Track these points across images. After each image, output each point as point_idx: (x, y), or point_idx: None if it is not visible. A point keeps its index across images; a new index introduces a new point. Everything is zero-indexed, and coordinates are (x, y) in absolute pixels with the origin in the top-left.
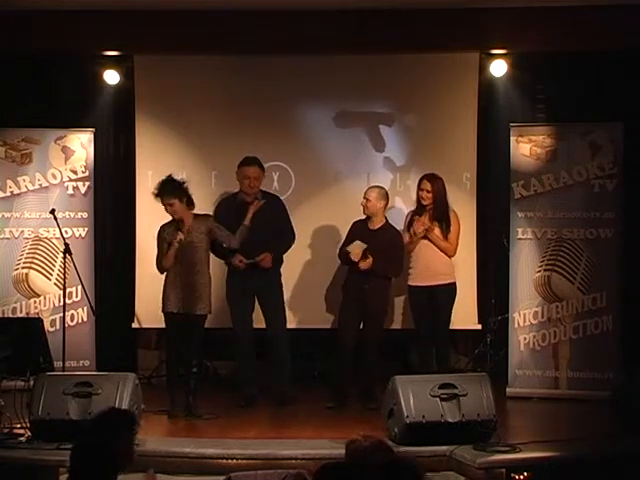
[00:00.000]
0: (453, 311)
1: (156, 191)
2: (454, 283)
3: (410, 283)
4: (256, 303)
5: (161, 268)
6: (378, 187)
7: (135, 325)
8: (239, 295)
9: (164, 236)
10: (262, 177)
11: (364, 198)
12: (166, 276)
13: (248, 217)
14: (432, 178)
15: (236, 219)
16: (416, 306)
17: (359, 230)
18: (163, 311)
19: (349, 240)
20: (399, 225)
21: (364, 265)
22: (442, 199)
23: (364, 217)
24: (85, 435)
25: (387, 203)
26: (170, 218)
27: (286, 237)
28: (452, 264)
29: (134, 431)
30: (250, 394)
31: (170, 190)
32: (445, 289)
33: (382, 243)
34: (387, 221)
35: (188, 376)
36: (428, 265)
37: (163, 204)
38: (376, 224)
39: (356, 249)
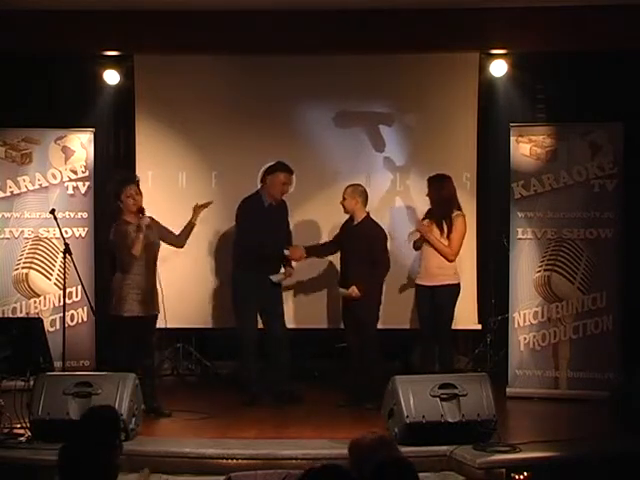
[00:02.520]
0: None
1: (127, 176)
2: (457, 284)
3: (417, 282)
4: None
5: (129, 262)
6: (353, 185)
7: None
8: (247, 295)
9: (125, 231)
10: None
11: (342, 197)
12: (124, 277)
13: (195, 217)
14: (431, 179)
15: (263, 221)
16: (419, 305)
17: (344, 229)
18: (120, 314)
19: (335, 238)
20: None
21: (353, 294)
22: (440, 200)
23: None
24: (70, 439)
25: (366, 199)
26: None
27: (290, 240)
28: (454, 265)
29: (117, 428)
30: (256, 393)
31: (137, 182)
32: (446, 289)
33: (361, 237)
34: (368, 215)
35: (147, 376)
36: (431, 265)
37: (131, 193)
38: (357, 220)
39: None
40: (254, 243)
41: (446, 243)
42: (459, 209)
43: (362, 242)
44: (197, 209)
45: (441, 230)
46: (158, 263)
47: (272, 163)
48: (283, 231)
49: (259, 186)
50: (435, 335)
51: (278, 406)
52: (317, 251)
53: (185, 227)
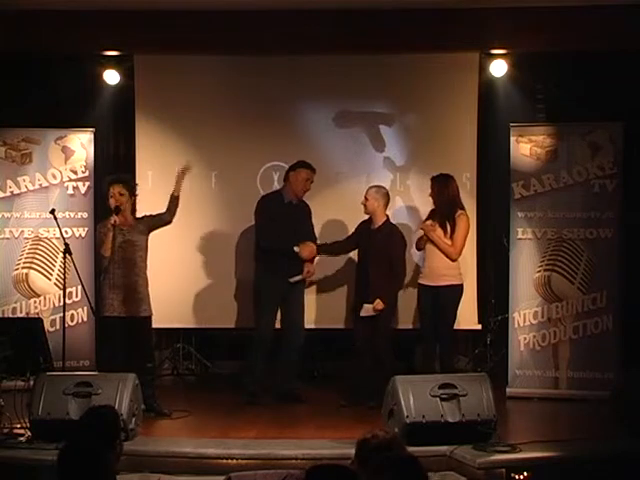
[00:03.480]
0: None
1: (115, 176)
2: (460, 285)
3: (419, 281)
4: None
5: (103, 262)
6: (377, 186)
7: None
8: (269, 294)
9: (100, 231)
10: None
11: (364, 197)
12: (104, 277)
13: (177, 188)
14: (434, 179)
15: (281, 219)
16: (422, 305)
17: (362, 231)
18: (101, 315)
19: (351, 238)
20: (401, 225)
21: (379, 307)
22: (444, 200)
23: (367, 217)
24: (70, 438)
25: (387, 202)
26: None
27: (314, 240)
28: (458, 266)
29: (116, 428)
30: (256, 392)
31: (128, 183)
32: (450, 290)
33: (381, 241)
34: (388, 219)
35: (145, 379)
36: (433, 265)
37: (113, 193)
38: (377, 223)
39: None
40: (272, 240)
41: (449, 242)
42: (462, 208)
43: (382, 247)
44: (178, 178)
45: (444, 230)
46: (155, 263)
47: (298, 161)
48: (305, 231)
49: (259, 187)
50: (437, 335)
51: (278, 406)
52: (329, 249)
53: (169, 201)
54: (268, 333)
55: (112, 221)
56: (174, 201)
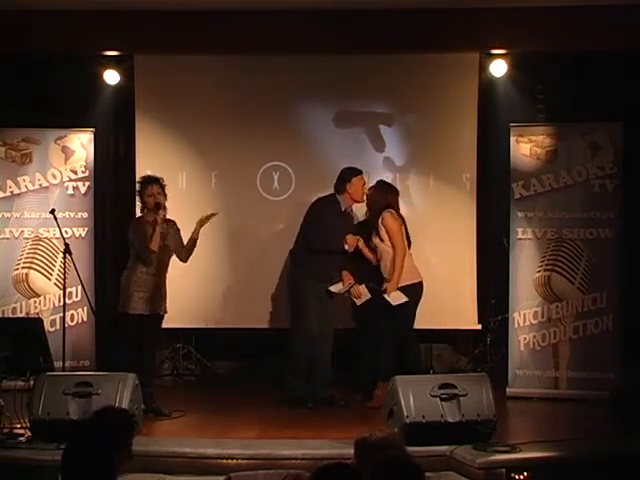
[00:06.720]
0: (453, 311)
1: (152, 176)
2: (418, 282)
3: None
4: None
5: (148, 256)
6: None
7: None
8: (311, 297)
9: (142, 228)
10: None
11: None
12: (131, 275)
13: (197, 231)
14: (377, 184)
15: (338, 226)
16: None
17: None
18: (127, 312)
19: None
20: None
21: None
22: (376, 209)
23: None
24: (80, 435)
25: None
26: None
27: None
28: (412, 264)
29: (130, 430)
30: (302, 395)
31: (161, 183)
32: (408, 290)
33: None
34: None
35: (145, 377)
36: (386, 270)
37: (152, 192)
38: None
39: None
40: (325, 244)
41: (390, 249)
42: (389, 207)
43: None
44: (200, 223)
45: (371, 237)
46: None
47: (345, 170)
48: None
49: (259, 187)
50: (400, 337)
51: (278, 406)
52: None
53: (187, 242)
54: (313, 334)
55: (161, 216)
56: (191, 243)
